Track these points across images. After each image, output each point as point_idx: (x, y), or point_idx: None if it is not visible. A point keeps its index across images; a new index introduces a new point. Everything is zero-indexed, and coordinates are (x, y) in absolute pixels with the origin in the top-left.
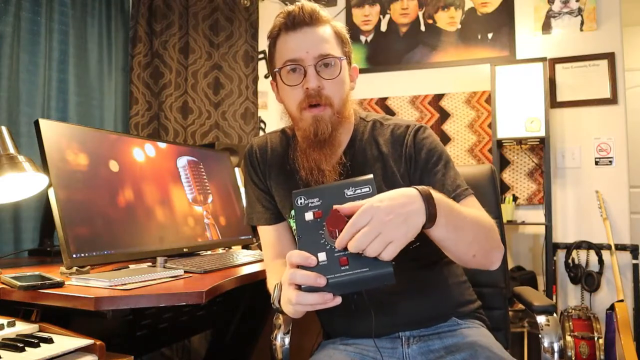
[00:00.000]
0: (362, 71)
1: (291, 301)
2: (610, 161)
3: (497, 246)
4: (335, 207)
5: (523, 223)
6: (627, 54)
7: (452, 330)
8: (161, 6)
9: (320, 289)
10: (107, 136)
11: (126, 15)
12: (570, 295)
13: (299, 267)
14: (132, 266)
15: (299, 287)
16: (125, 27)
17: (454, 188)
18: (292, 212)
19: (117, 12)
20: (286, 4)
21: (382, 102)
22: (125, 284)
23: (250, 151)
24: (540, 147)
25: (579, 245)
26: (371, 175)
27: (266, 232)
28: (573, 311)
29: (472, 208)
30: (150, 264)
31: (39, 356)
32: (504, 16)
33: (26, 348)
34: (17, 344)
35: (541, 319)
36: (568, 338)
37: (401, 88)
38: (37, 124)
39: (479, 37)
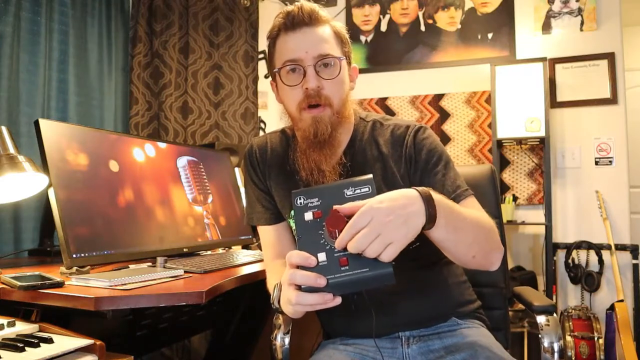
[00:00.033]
0: (362, 71)
1: (291, 301)
2: (610, 161)
3: (497, 247)
4: (335, 207)
5: (523, 223)
6: (627, 54)
7: (452, 330)
8: (161, 6)
9: (320, 289)
10: (107, 136)
11: (126, 15)
12: (570, 295)
13: (298, 267)
14: (132, 266)
15: (299, 288)
16: (125, 27)
17: (454, 189)
18: (292, 212)
19: (117, 12)
20: (286, 4)
21: (382, 102)
22: (125, 284)
23: (250, 151)
24: (540, 147)
25: (579, 245)
26: (370, 175)
27: (266, 232)
28: (573, 311)
29: (472, 209)
30: (150, 264)
31: (39, 356)
32: (504, 16)
33: (26, 348)
34: (17, 344)
35: (541, 319)
36: (568, 338)
37: (401, 88)
38: (37, 124)
39: (479, 37)
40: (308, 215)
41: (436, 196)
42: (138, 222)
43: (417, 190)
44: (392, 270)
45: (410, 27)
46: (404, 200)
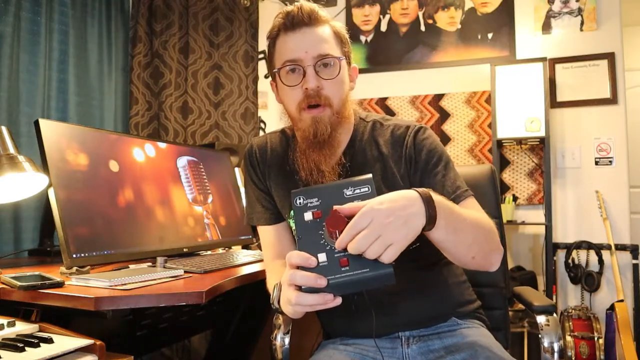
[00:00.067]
0: (362, 71)
1: (291, 302)
2: (610, 161)
3: (497, 248)
4: (335, 207)
5: (523, 223)
6: (627, 54)
7: (452, 330)
8: (161, 6)
9: (320, 289)
10: (107, 136)
11: (126, 15)
12: (570, 295)
13: (299, 267)
14: (132, 266)
15: (299, 288)
16: (125, 27)
17: (454, 189)
18: (292, 212)
19: (117, 12)
20: (286, 4)
21: (382, 102)
22: (125, 284)
23: (250, 151)
24: (540, 147)
25: (579, 245)
26: (370, 175)
27: (266, 232)
28: (573, 311)
29: (472, 209)
30: (150, 264)
31: (39, 356)
32: (504, 16)
33: (26, 348)
34: (17, 344)
35: (541, 319)
36: (568, 338)
37: (401, 88)
38: (37, 124)
39: (479, 37)
40: (308, 216)
41: (436, 197)
42: (138, 222)
43: (417, 191)
44: (392, 271)
45: (410, 27)
46: (404, 202)
